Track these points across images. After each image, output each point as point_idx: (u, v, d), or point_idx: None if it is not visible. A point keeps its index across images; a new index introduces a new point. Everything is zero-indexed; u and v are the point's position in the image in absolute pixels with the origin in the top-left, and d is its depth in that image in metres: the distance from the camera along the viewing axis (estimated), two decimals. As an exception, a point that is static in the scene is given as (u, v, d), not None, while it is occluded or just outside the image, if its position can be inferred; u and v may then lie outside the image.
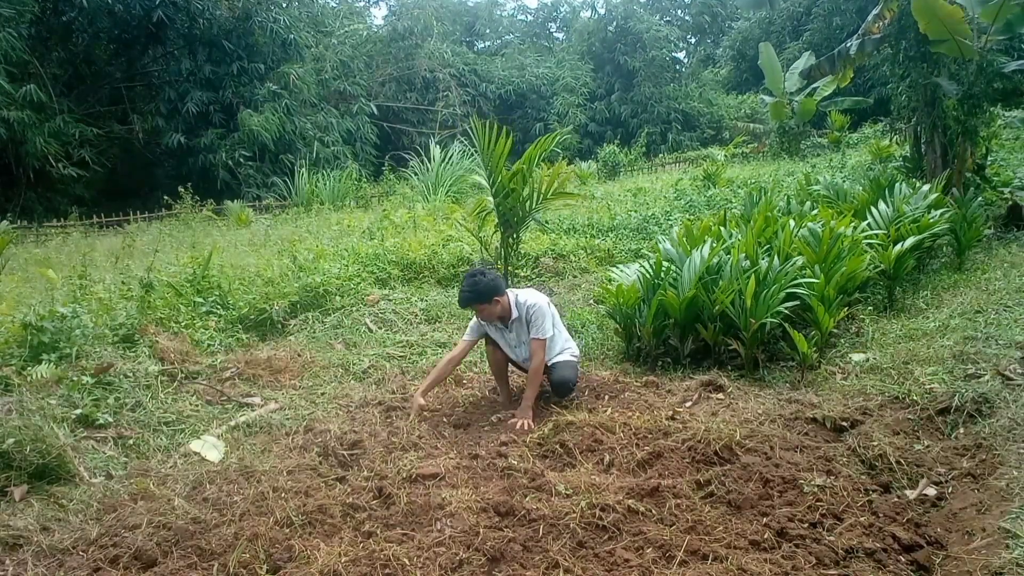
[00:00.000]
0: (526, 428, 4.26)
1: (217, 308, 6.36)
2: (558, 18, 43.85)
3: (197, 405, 4.67)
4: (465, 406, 4.84)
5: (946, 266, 7.71)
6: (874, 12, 9.72)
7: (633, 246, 9.29)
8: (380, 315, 6.75)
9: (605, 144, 25.01)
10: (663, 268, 5.66)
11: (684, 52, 43.17)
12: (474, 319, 4.70)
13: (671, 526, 3.09)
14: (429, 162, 17.06)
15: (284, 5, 23.67)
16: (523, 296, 4.60)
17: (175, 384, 4.86)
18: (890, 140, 12.66)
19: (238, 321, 6.29)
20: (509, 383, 4.92)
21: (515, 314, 4.55)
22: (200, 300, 6.38)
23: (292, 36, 22.57)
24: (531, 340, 4.51)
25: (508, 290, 4.65)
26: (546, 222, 10.53)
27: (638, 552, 2.92)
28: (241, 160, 20.84)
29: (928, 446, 3.81)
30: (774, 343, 5.55)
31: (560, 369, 4.63)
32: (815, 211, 7.85)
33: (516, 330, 4.62)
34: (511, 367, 4.90)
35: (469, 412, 4.72)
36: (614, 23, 32.02)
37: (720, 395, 4.78)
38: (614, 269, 6.29)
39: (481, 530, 3.01)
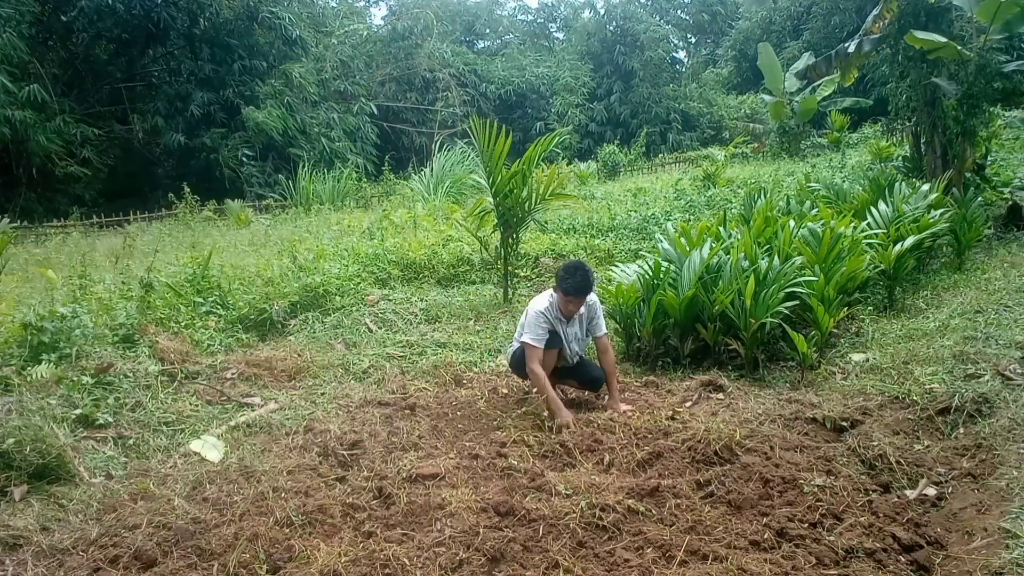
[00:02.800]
0: (629, 411, 4.44)
1: (217, 308, 6.36)
2: (558, 18, 43.88)
3: (197, 405, 4.67)
4: (465, 406, 4.84)
5: (946, 266, 7.72)
6: (874, 12, 9.72)
7: (633, 246, 9.29)
8: (380, 315, 6.75)
9: (605, 144, 25.02)
10: (662, 268, 5.66)
11: (684, 52, 43.21)
12: (534, 320, 4.44)
13: (671, 526, 3.09)
14: (429, 162, 17.06)
15: (285, 3, 23.68)
16: None
17: (175, 384, 4.86)
18: (889, 140, 12.67)
19: (238, 321, 6.29)
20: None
21: (581, 309, 4.61)
22: (200, 300, 6.37)
23: (296, 34, 22.58)
24: (601, 337, 4.69)
25: None
26: (546, 222, 10.53)
27: (638, 552, 2.92)
28: (244, 159, 20.85)
29: (928, 446, 3.81)
30: (774, 343, 5.55)
31: (591, 368, 4.80)
32: (815, 211, 7.85)
33: (576, 325, 4.67)
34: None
35: (469, 412, 4.71)
36: (614, 23, 32.04)
37: (720, 395, 4.79)
38: (614, 269, 6.29)
39: (481, 530, 3.01)
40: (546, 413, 4.43)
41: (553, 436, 4.14)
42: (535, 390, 4.73)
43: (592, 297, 4.63)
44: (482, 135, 6.78)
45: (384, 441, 4.10)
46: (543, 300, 4.57)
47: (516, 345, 4.65)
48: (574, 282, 4.38)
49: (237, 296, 6.65)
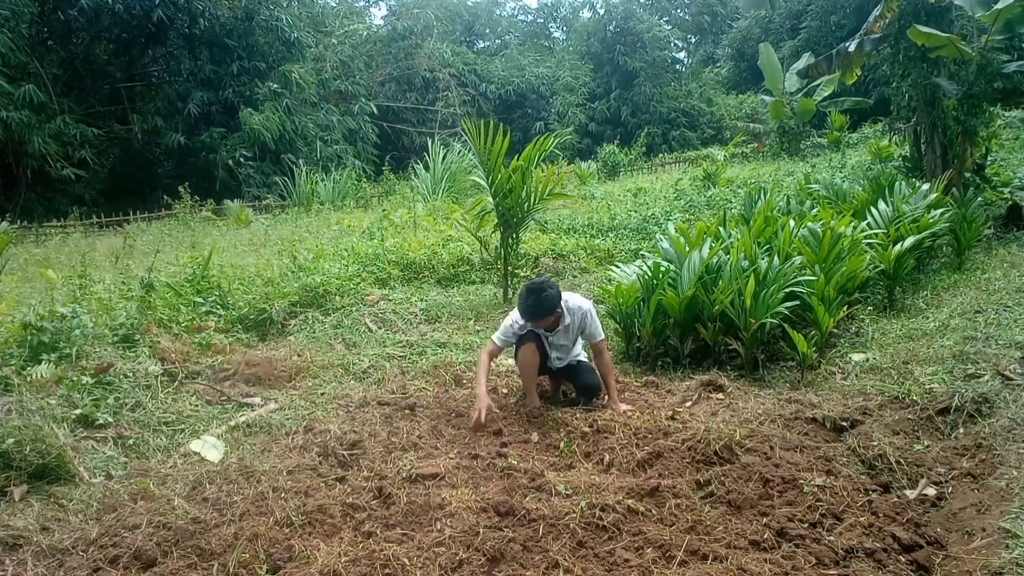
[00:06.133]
0: (629, 411, 4.40)
1: (217, 308, 6.36)
2: (558, 18, 43.93)
3: (197, 405, 4.66)
4: (466, 405, 4.83)
5: (946, 266, 7.72)
6: (875, 12, 9.72)
7: (633, 246, 9.29)
8: (380, 315, 6.75)
9: (605, 144, 25.03)
10: (662, 268, 5.66)
11: (684, 52, 43.24)
12: (510, 322, 4.52)
13: (671, 526, 3.09)
14: (429, 162, 17.06)
15: (284, 4, 23.69)
16: (572, 302, 4.58)
17: (175, 384, 4.86)
18: (889, 140, 12.67)
19: (238, 321, 6.28)
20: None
21: (567, 320, 4.54)
22: (200, 300, 6.37)
23: (295, 35, 22.59)
24: (597, 343, 4.61)
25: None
26: (546, 222, 10.54)
27: (638, 552, 2.92)
28: (242, 160, 20.84)
29: (928, 446, 3.81)
30: (774, 343, 5.55)
31: (587, 374, 4.73)
32: (815, 211, 7.85)
33: (561, 336, 4.61)
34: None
35: (469, 412, 4.70)
36: (614, 23, 32.06)
37: (720, 395, 4.78)
38: (614, 269, 6.29)
39: (481, 530, 3.01)
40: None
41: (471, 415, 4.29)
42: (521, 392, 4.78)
43: (584, 307, 4.59)
44: (477, 137, 6.77)
45: (384, 441, 4.09)
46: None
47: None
48: (523, 304, 4.34)
49: (237, 296, 6.64)
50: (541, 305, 4.31)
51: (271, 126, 20.67)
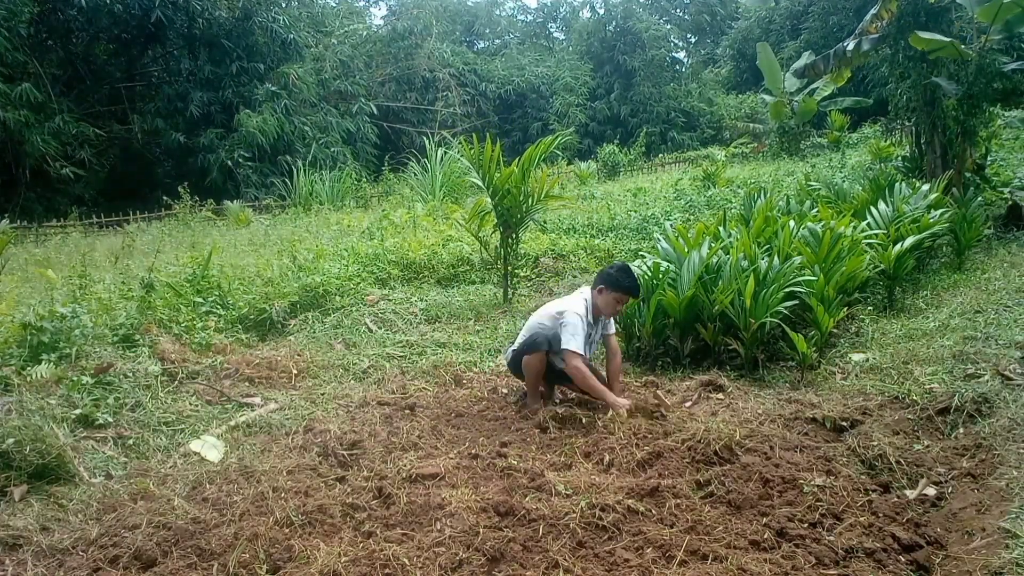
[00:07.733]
0: (629, 404, 4.38)
1: (217, 308, 6.36)
2: (558, 18, 43.95)
3: (197, 405, 4.66)
4: (466, 405, 4.83)
5: (946, 266, 7.72)
6: (871, 12, 9.72)
7: (633, 246, 9.29)
8: (380, 315, 6.75)
9: (605, 144, 25.02)
10: (662, 268, 5.66)
11: (684, 52, 43.26)
12: (578, 323, 4.36)
13: (671, 526, 3.09)
14: (428, 162, 17.04)
15: (284, 5, 23.69)
16: None
17: (175, 384, 4.86)
18: (889, 140, 12.68)
19: (238, 321, 6.29)
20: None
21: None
22: (200, 300, 6.37)
23: (292, 36, 22.58)
24: (611, 336, 4.71)
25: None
26: (545, 222, 10.54)
27: (638, 552, 2.92)
28: (240, 160, 20.83)
29: (928, 446, 3.81)
30: (774, 343, 5.55)
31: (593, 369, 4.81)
32: (815, 211, 7.85)
33: (603, 326, 4.66)
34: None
35: (469, 412, 4.71)
36: (613, 23, 32.08)
37: (720, 395, 4.79)
38: (614, 269, 6.27)
39: (481, 530, 3.01)
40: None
41: (618, 421, 4.15)
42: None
43: None
44: (468, 150, 6.99)
45: (384, 441, 4.09)
46: (579, 304, 4.48)
47: (515, 346, 4.64)
48: (631, 281, 4.43)
49: (237, 296, 6.64)
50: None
51: (268, 128, 20.65)
